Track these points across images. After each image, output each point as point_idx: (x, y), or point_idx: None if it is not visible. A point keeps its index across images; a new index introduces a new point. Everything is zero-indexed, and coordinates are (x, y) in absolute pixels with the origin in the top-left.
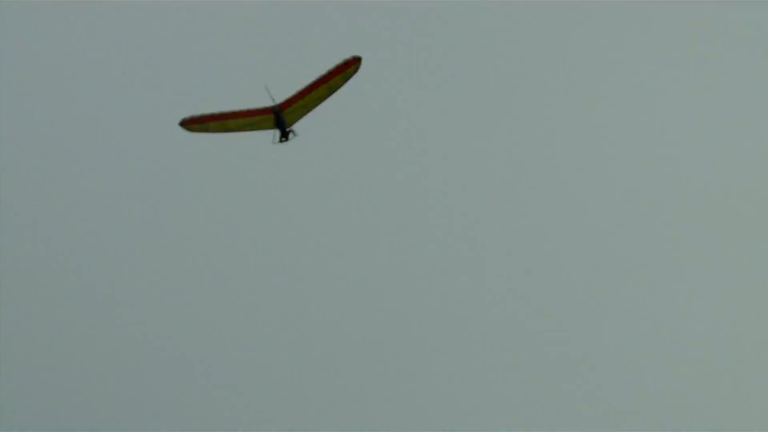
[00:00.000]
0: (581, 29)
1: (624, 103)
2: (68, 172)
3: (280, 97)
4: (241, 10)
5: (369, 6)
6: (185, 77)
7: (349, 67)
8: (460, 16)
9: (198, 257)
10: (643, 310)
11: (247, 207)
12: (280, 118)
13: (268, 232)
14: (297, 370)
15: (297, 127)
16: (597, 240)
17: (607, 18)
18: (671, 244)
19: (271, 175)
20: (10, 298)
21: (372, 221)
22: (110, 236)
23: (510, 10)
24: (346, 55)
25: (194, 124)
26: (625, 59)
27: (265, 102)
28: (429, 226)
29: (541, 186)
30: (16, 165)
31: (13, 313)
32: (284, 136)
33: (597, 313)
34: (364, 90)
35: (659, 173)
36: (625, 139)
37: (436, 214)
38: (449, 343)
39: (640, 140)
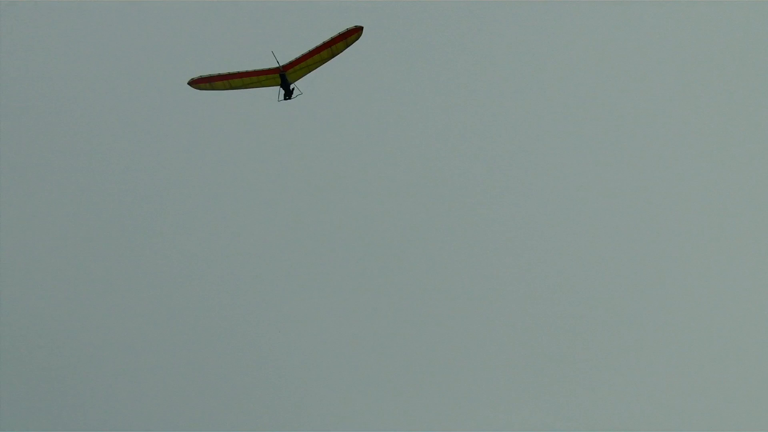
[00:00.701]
0: (580, 29)
1: (623, 102)
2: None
3: (284, 60)
4: None
5: None
6: (192, 41)
7: (351, 35)
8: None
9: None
10: (642, 310)
11: (254, 160)
12: (285, 78)
13: (272, 187)
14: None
15: (299, 84)
16: (596, 240)
17: (605, 17)
18: (669, 244)
19: (276, 130)
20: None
21: (368, 180)
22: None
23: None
24: (350, 24)
25: (202, 83)
26: (623, 58)
27: (270, 64)
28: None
29: (544, 183)
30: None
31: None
32: (288, 94)
33: (596, 312)
34: (365, 54)
35: (658, 171)
36: (624, 137)
37: (424, 175)
38: (450, 344)
39: (640, 138)
